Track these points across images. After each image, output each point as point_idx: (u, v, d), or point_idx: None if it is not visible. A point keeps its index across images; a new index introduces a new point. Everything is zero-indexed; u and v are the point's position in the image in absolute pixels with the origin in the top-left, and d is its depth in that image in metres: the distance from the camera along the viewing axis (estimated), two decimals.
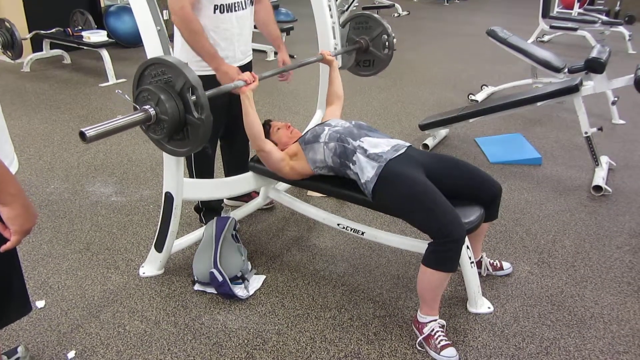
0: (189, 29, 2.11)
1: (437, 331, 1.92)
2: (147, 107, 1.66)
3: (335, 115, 2.49)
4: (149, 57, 1.90)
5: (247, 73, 2.05)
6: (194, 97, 1.65)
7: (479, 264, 2.31)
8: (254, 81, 2.04)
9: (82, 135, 1.46)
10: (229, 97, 2.31)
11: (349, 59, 2.89)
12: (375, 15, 2.75)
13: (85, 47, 5.47)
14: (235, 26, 2.29)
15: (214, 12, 2.21)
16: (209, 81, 2.17)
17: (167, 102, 1.64)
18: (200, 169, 2.53)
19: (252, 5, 2.39)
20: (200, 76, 1.79)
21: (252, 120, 2.07)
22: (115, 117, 1.57)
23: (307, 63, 2.52)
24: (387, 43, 2.73)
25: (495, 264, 2.37)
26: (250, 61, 2.52)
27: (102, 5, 6.65)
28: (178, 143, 1.76)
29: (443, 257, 1.84)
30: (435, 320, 1.95)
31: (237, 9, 2.27)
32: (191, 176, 2.53)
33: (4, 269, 1.24)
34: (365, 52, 2.82)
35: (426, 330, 1.93)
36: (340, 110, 2.54)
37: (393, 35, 2.72)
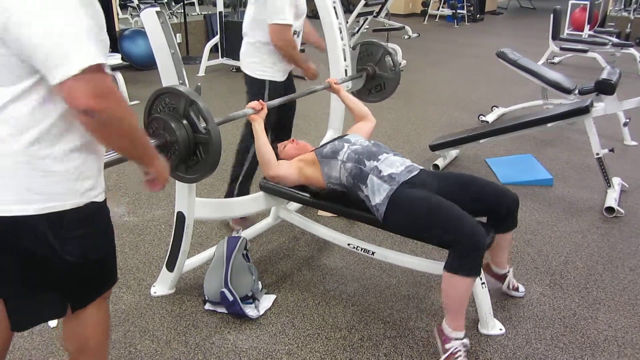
0: (293, 47, 2.58)
1: (459, 350, 1.89)
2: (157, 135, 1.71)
3: (362, 129, 2.52)
4: (163, 80, 1.95)
5: (255, 102, 2.22)
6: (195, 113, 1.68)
7: (503, 277, 2.30)
8: (262, 109, 2.19)
9: None
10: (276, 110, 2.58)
11: (358, 82, 2.92)
12: (373, 40, 2.84)
13: None
14: (297, 47, 2.67)
15: (292, 36, 2.59)
16: (277, 87, 2.66)
17: (172, 122, 1.68)
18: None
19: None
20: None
21: (262, 143, 2.19)
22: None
23: (314, 91, 2.63)
24: (391, 62, 2.78)
25: (514, 284, 2.35)
26: (290, 71, 2.81)
27: (117, 29, 6.78)
28: (193, 169, 1.80)
29: (469, 262, 1.83)
30: (461, 339, 1.91)
31: (299, 33, 2.71)
32: (233, 183, 2.76)
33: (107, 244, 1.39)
34: (374, 77, 2.87)
35: (449, 347, 1.90)
36: (369, 128, 2.57)
37: (395, 52, 2.78)
